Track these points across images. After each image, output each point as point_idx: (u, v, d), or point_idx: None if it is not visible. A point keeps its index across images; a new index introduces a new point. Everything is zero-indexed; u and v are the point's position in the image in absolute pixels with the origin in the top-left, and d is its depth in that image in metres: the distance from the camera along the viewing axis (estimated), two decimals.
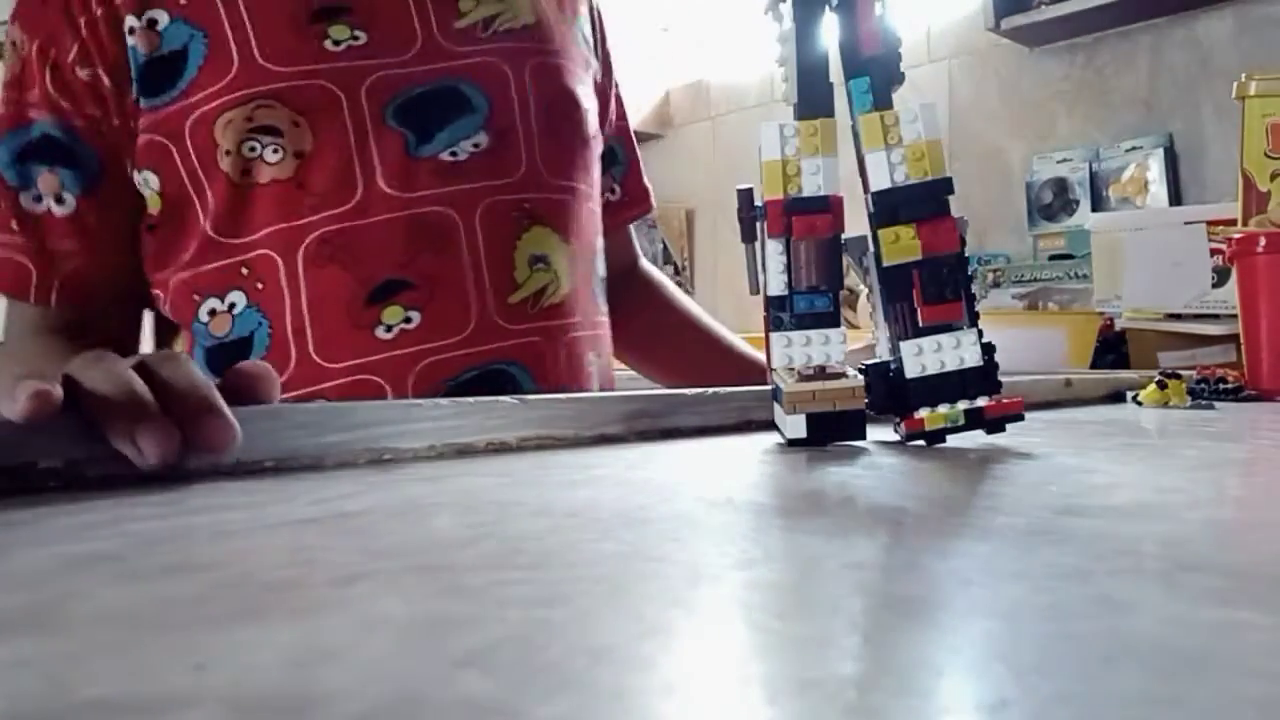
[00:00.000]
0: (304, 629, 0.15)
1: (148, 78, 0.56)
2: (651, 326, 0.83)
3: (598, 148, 0.71)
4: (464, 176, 0.59)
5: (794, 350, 0.40)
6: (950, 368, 0.40)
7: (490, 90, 0.61)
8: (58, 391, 0.29)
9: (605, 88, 0.77)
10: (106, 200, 0.59)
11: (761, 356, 0.75)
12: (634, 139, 0.82)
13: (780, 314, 0.40)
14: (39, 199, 0.58)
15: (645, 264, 0.87)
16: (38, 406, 0.28)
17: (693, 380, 0.84)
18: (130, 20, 0.56)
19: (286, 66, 0.56)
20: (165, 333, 0.66)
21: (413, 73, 0.59)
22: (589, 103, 0.69)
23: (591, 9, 0.75)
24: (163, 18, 0.56)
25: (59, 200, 0.58)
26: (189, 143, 0.56)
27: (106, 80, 0.56)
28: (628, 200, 0.81)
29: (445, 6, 0.61)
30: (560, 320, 0.64)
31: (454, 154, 0.60)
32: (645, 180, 0.83)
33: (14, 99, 0.58)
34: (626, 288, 0.80)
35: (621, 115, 0.80)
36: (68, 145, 0.57)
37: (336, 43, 0.57)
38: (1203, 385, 0.72)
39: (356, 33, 0.58)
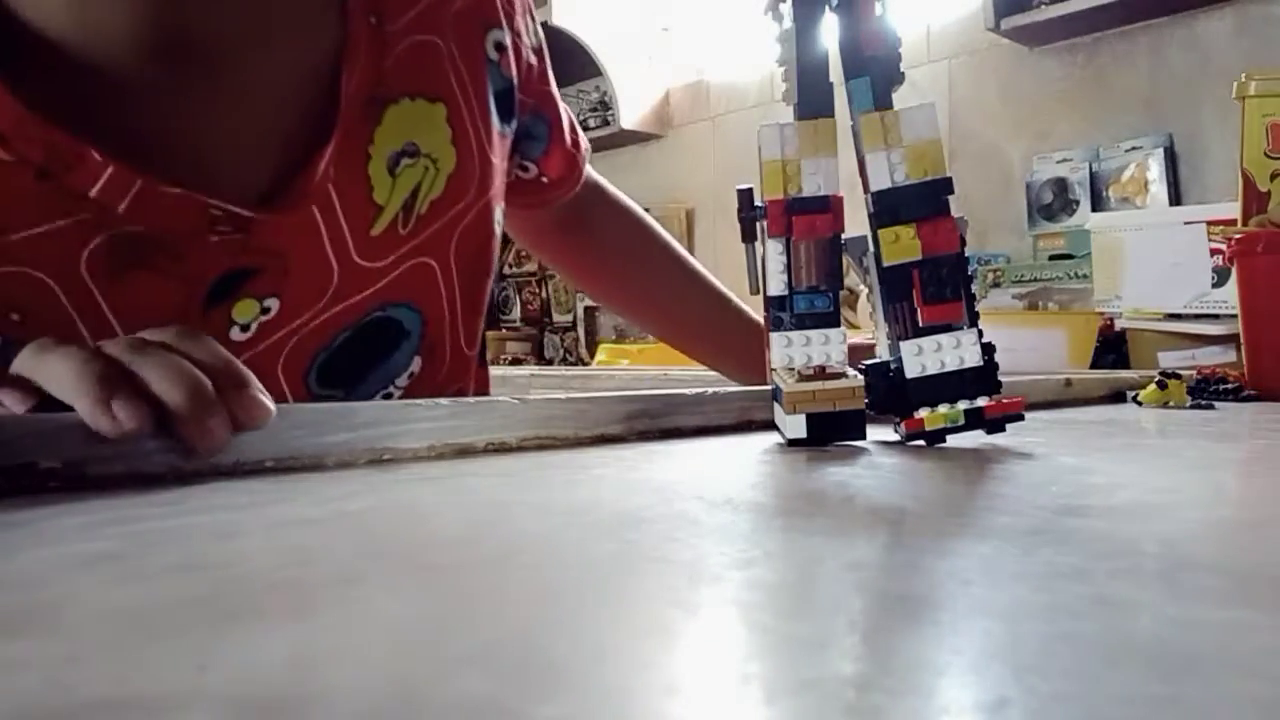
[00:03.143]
0: (304, 629, 0.15)
1: None
2: (622, 246, 0.74)
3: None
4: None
5: (794, 350, 0.40)
6: (950, 368, 0.40)
7: (420, 300, 0.53)
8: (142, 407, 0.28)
9: (527, 76, 0.63)
10: None
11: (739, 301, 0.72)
12: (557, 102, 0.66)
13: (780, 314, 0.40)
14: None
15: (615, 191, 0.75)
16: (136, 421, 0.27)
17: (664, 311, 0.77)
18: None
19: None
20: None
21: (331, 318, 0.49)
22: (500, 210, 0.59)
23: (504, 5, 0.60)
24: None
25: None
26: None
27: None
28: (547, 182, 0.67)
29: (359, 212, 0.49)
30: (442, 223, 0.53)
31: (388, 394, 0.54)
32: (576, 149, 0.68)
33: None
34: (591, 204, 0.71)
35: (544, 80, 0.64)
36: None
37: (245, 328, 0.47)
38: (1203, 385, 0.72)
39: (267, 302, 0.47)
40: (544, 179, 0.66)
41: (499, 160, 0.58)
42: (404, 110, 0.51)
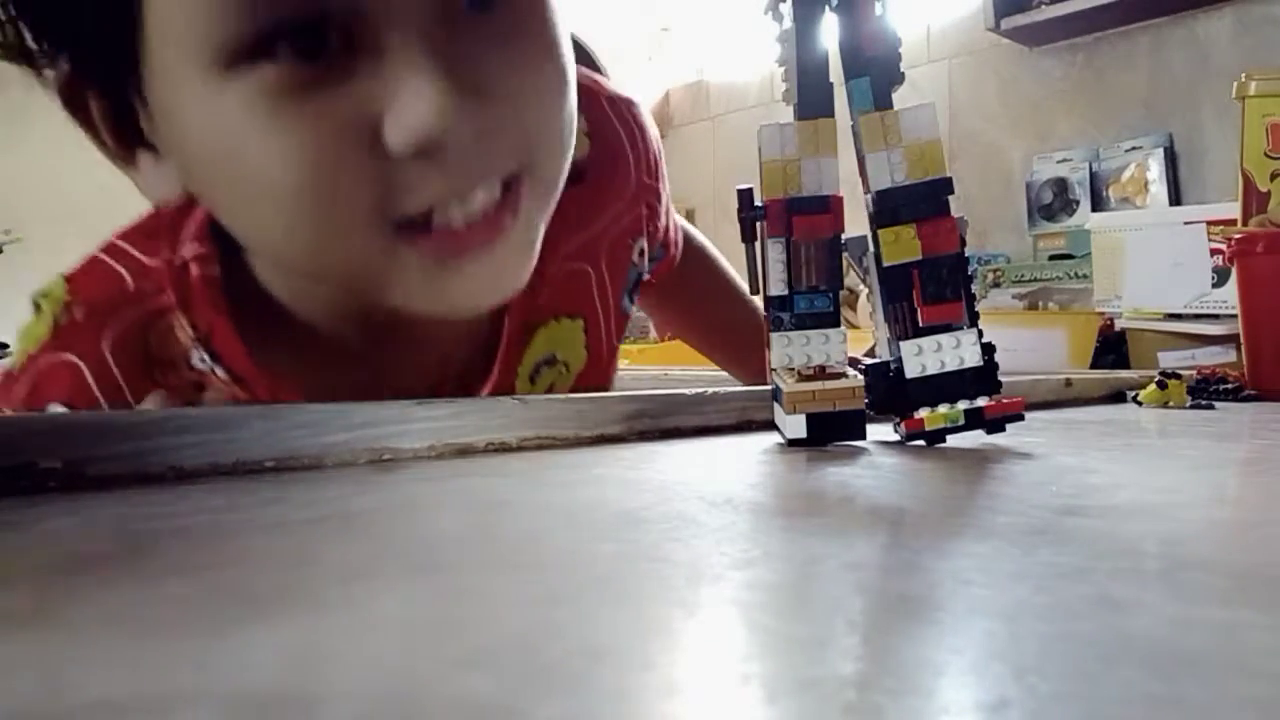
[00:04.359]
0: (304, 629, 0.15)
1: None
2: (695, 291, 0.75)
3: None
4: None
5: (794, 350, 0.40)
6: (950, 368, 0.40)
7: None
8: None
9: (654, 231, 0.64)
10: None
11: None
12: (671, 234, 0.67)
13: (780, 314, 0.40)
14: None
15: (695, 235, 0.75)
16: None
17: (724, 340, 0.80)
18: None
19: None
20: None
21: None
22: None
23: (648, 163, 0.61)
24: None
25: None
26: None
27: None
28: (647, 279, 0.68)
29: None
30: None
31: None
32: (671, 243, 0.68)
33: None
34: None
35: (664, 228, 0.66)
36: None
37: None
38: (1203, 385, 0.72)
39: None
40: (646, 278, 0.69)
41: (621, 313, 0.62)
42: (550, 330, 0.56)
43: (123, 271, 0.48)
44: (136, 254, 0.49)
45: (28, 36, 0.40)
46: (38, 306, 0.49)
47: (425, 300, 0.42)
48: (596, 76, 0.60)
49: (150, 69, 0.38)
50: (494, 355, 0.52)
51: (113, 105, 0.41)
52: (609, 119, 0.58)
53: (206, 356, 0.47)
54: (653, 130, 0.63)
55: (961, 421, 0.39)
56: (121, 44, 0.38)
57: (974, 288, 0.45)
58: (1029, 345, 1.23)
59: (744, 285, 0.76)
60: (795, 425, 0.39)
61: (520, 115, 0.41)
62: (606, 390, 0.60)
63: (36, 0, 0.39)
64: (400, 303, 0.43)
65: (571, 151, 0.45)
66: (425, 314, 0.44)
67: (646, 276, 0.66)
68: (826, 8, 0.40)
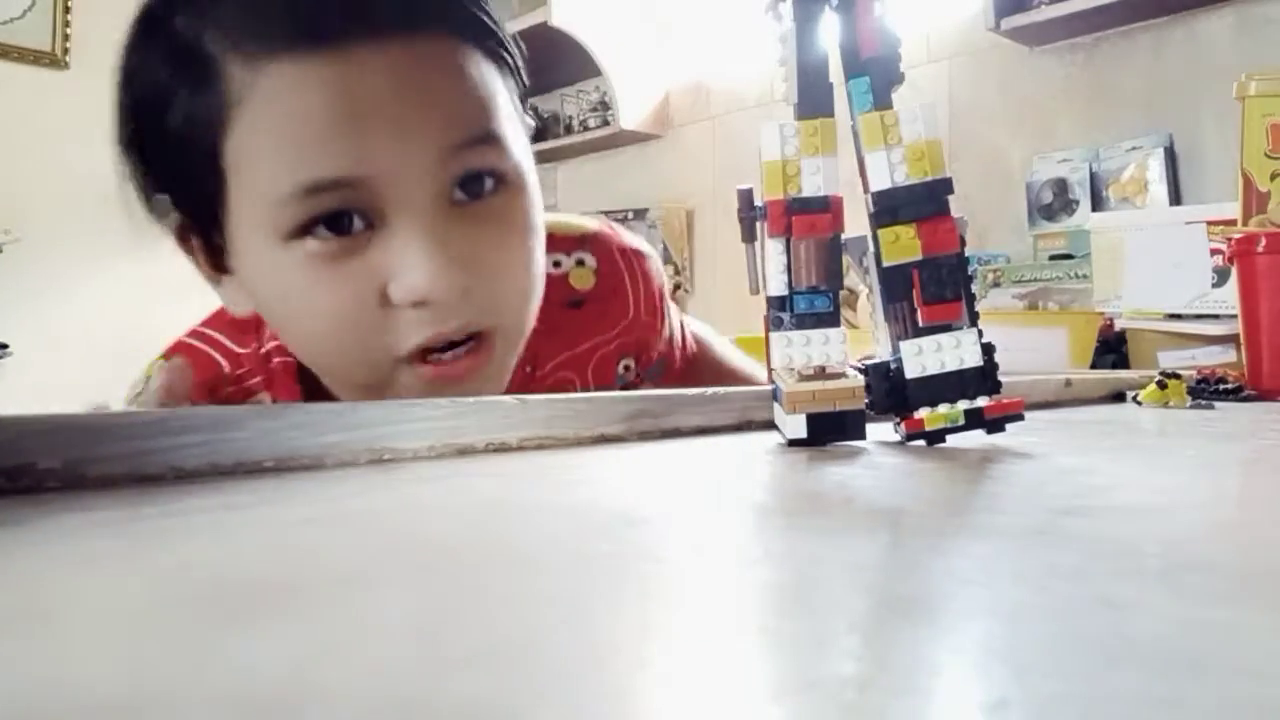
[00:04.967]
0: (304, 629, 0.15)
1: None
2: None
3: None
4: None
5: (794, 350, 0.40)
6: (950, 368, 0.40)
7: None
8: None
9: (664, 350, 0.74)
10: None
11: None
12: (675, 348, 0.76)
13: (780, 314, 0.40)
14: None
15: (710, 345, 0.82)
16: None
17: None
18: None
19: None
20: None
21: None
22: None
23: (654, 299, 0.72)
24: None
25: None
26: None
27: None
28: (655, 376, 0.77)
29: None
30: None
31: None
32: (675, 358, 0.77)
33: None
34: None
35: (665, 339, 0.75)
36: None
37: None
38: (1203, 385, 0.72)
39: None
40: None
41: None
42: None
43: (219, 356, 0.64)
44: (229, 343, 0.64)
45: (154, 199, 0.55)
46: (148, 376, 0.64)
47: None
48: (615, 227, 0.73)
49: (233, 227, 0.52)
50: None
51: (207, 244, 0.55)
52: (617, 265, 0.71)
53: None
54: (658, 281, 0.73)
55: (961, 421, 0.39)
56: (214, 211, 0.52)
57: (974, 288, 0.45)
58: (1029, 345, 1.23)
59: (761, 375, 0.80)
60: (795, 425, 0.39)
61: (494, 283, 0.53)
62: None
63: (163, 175, 0.55)
64: None
65: (537, 303, 0.57)
66: None
67: (636, 380, 0.74)
68: (826, 8, 0.40)
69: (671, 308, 0.76)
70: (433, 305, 0.50)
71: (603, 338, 0.69)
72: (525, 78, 0.58)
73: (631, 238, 0.73)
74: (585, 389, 0.67)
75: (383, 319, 0.51)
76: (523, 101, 0.58)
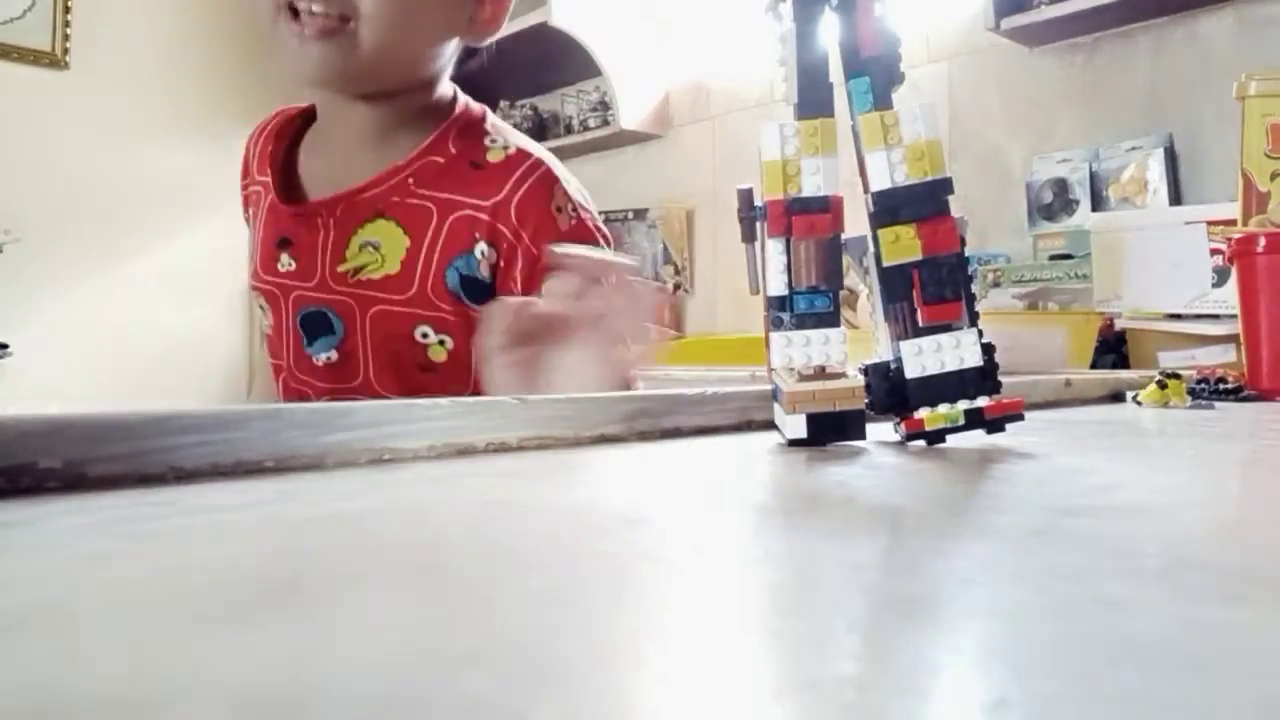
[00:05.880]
0: (304, 629, 0.15)
1: None
2: None
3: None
4: (324, 376, 0.84)
5: (794, 350, 0.40)
6: (950, 368, 0.40)
7: (345, 321, 0.83)
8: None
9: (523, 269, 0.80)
10: None
11: None
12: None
13: (780, 314, 0.40)
14: None
15: None
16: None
17: None
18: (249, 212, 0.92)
19: (267, 275, 0.86)
20: None
21: (310, 296, 0.84)
22: (435, 337, 0.82)
23: (503, 228, 0.79)
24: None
25: None
26: None
27: None
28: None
29: (336, 254, 0.82)
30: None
31: (325, 359, 0.84)
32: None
33: None
34: None
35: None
36: None
37: (283, 266, 0.85)
38: (1203, 385, 0.72)
39: (291, 262, 0.84)
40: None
41: (440, 292, 0.81)
42: (386, 223, 0.81)
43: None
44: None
45: None
46: None
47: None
48: (551, 160, 0.83)
49: None
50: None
51: None
52: (522, 168, 0.80)
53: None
54: (556, 201, 0.81)
55: (961, 421, 0.39)
56: None
57: (974, 288, 0.45)
58: (1029, 345, 1.23)
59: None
60: (795, 425, 0.39)
61: None
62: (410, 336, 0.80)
63: None
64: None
65: (399, 31, 0.74)
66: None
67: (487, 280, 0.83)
68: (826, 7, 0.40)
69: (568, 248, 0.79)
70: None
71: (470, 202, 0.79)
72: None
73: (561, 168, 0.82)
74: (437, 229, 0.79)
75: None
76: None
